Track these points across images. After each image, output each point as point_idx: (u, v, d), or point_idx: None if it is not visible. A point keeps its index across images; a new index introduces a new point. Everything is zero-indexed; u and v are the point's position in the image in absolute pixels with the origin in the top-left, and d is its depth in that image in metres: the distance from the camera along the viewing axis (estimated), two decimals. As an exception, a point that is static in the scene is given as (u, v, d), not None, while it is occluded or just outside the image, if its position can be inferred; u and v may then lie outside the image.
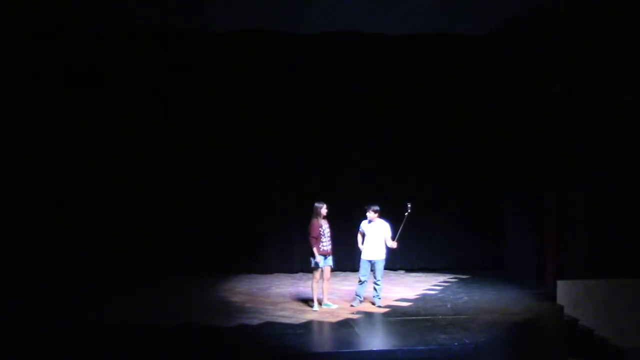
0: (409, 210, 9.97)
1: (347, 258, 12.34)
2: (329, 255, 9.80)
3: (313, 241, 9.67)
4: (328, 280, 9.98)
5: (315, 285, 9.82)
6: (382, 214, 10.03)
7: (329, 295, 10.14)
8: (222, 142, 12.80)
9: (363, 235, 10.08)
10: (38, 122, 12.16)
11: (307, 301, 10.25)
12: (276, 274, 12.92)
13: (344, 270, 12.68)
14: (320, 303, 9.94)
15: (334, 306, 9.99)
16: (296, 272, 12.88)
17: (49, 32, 11.89)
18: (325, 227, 9.76)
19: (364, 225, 10.04)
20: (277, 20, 11.93)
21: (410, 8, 11.21)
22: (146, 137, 12.53)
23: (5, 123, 12.01)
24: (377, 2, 11.15)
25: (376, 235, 9.93)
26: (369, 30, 12.52)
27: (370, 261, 9.98)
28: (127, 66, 12.39)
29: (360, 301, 10.14)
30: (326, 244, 9.75)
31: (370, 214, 9.92)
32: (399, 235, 9.97)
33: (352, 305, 10.05)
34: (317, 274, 9.74)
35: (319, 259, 9.66)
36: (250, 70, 12.79)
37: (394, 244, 9.93)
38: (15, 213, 11.92)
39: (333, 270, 10.16)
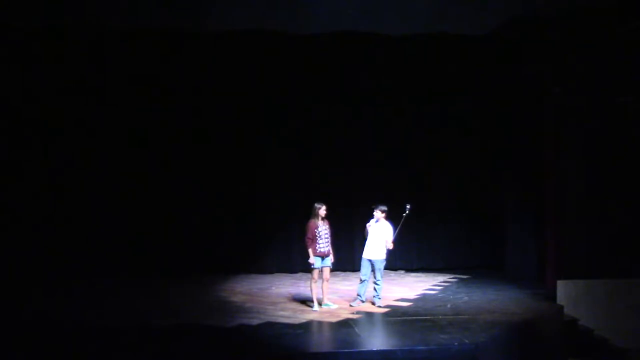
0: (407, 212, 9.97)
1: (347, 258, 12.35)
2: (327, 256, 9.80)
3: (308, 242, 9.67)
4: (327, 281, 9.97)
5: (313, 285, 9.82)
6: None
7: (328, 295, 10.14)
8: (222, 141, 12.79)
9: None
10: (38, 121, 12.15)
11: (307, 301, 10.25)
12: (276, 274, 12.92)
13: (344, 270, 12.68)
14: (320, 303, 9.94)
15: (334, 306, 9.98)
16: (296, 272, 12.87)
17: (47, 31, 11.88)
18: (323, 228, 9.74)
19: (370, 223, 10.03)
20: (277, 20, 11.92)
21: (410, 8, 11.21)
22: (146, 137, 12.52)
23: (6, 122, 12.00)
24: (376, 2, 11.14)
25: (378, 236, 9.93)
26: (368, 30, 12.52)
27: (370, 260, 9.99)
28: (126, 66, 12.38)
29: (362, 301, 10.15)
30: (324, 245, 9.73)
31: (377, 213, 9.93)
32: (396, 236, 9.98)
33: (351, 305, 10.06)
34: (315, 274, 9.74)
35: (313, 259, 9.65)
36: (250, 70, 12.78)
37: (390, 245, 9.95)
38: (15, 212, 11.91)
39: (332, 270, 10.15)
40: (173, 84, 12.62)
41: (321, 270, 9.78)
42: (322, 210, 9.75)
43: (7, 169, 11.98)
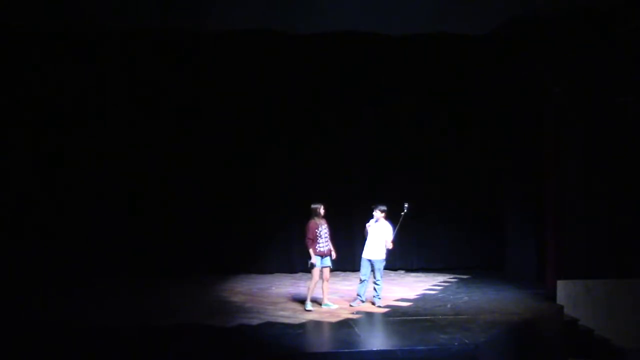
0: (405, 211, 9.97)
1: (347, 258, 12.34)
2: (326, 256, 9.80)
3: (309, 242, 9.67)
4: (327, 281, 9.98)
5: (312, 285, 9.81)
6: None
7: (328, 295, 10.14)
8: (222, 142, 12.79)
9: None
10: (37, 121, 12.15)
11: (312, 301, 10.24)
12: (276, 274, 12.92)
13: (344, 270, 12.69)
14: (319, 304, 9.94)
15: (334, 306, 9.99)
16: (296, 272, 12.88)
17: (47, 31, 11.87)
18: (322, 228, 9.75)
19: (370, 223, 10.02)
20: (277, 20, 11.92)
21: (410, 8, 11.20)
22: (146, 138, 12.51)
23: (5, 122, 12.00)
24: (377, 2, 11.14)
25: (378, 236, 9.94)
26: (368, 30, 12.52)
27: (370, 260, 9.99)
28: (126, 66, 12.38)
29: (362, 301, 10.15)
30: (324, 244, 9.74)
31: (377, 213, 9.93)
32: (396, 235, 9.98)
33: (351, 305, 10.06)
34: (315, 274, 9.74)
35: (315, 259, 9.65)
36: (250, 70, 12.78)
37: (390, 245, 9.95)
38: (15, 213, 11.92)
39: (332, 270, 10.15)
40: (173, 84, 12.61)
41: (321, 270, 9.78)
42: (321, 210, 9.76)
43: (7, 169, 11.97)
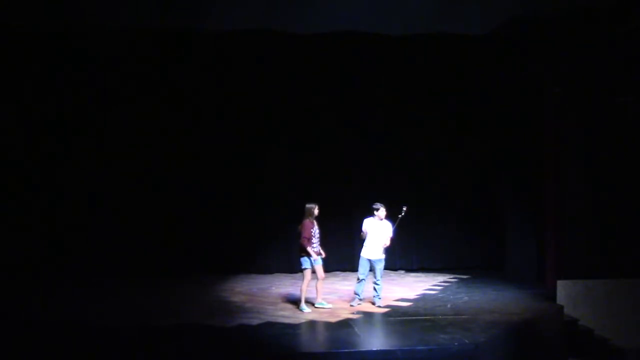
0: (403, 213, 9.93)
1: (347, 258, 12.34)
2: (319, 255, 9.79)
3: (305, 242, 9.64)
4: (323, 279, 9.94)
5: (304, 287, 9.78)
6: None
7: (324, 295, 10.11)
8: (222, 142, 12.79)
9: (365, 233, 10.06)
10: (38, 121, 12.16)
11: (307, 301, 10.22)
12: (276, 274, 12.92)
13: (344, 270, 12.68)
14: (313, 304, 9.92)
15: (329, 305, 9.95)
16: (296, 272, 12.84)
17: (47, 31, 11.87)
18: (316, 228, 9.75)
19: (369, 222, 10.01)
20: (277, 20, 11.92)
21: (410, 8, 11.21)
22: (146, 138, 12.51)
23: (6, 122, 12.00)
24: (377, 2, 11.14)
25: (380, 235, 9.91)
26: (369, 30, 12.52)
27: (369, 260, 9.98)
28: (126, 66, 12.38)
29: (361, 300, 10.14)
30: (316, 244, 9.75)
31: (381, 212, 9.89)
32: (394, 232, 9.96)
33: (351, 305, 10.06)
34: (307, 275, 9.72)
35: (316, 257, 9.65)
36: (250, 70, 12.79)
37: (387, 243, 9.94)
38: (15, 212, 11.92)
39: (331, 270, 10.11)
40: (173, 84, 12.62)
41: (313, 271, 9.75)
42: (316, 210, 9.77)
43: (8, 168, 11.97)
